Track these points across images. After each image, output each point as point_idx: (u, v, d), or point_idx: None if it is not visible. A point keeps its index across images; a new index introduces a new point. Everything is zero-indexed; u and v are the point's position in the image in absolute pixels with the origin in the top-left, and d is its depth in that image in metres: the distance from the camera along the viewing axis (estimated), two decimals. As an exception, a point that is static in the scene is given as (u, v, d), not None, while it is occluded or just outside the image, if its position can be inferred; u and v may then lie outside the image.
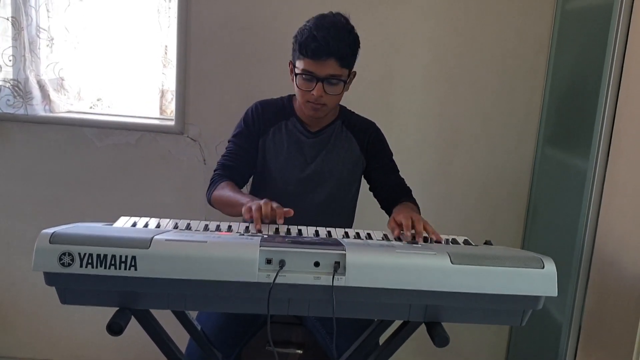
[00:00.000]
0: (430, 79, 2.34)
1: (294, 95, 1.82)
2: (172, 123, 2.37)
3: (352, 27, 1.71)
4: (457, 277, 1.19)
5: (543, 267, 1.22)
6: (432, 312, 1.25)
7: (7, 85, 2.32)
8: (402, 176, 1.91)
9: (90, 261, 1.15)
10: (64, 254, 1.14)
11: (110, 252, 1.15)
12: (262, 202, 1.49)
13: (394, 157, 1.92)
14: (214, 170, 1.83)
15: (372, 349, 1.50)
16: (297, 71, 1.69)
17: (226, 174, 1.79)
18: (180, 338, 1.50)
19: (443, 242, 1.47)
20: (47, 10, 2.32)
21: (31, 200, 2.44)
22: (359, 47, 1.73)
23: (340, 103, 1.84)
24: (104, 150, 2.40)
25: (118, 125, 2.39)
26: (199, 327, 1.48)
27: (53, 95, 2.37)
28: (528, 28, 2.30)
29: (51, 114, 2.37)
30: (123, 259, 1.15)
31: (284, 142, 1.83)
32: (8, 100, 2.33)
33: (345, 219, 1.93)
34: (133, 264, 1.15)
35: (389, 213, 1.81)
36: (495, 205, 2.42)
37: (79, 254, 1.14)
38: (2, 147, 2.40)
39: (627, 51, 1.70)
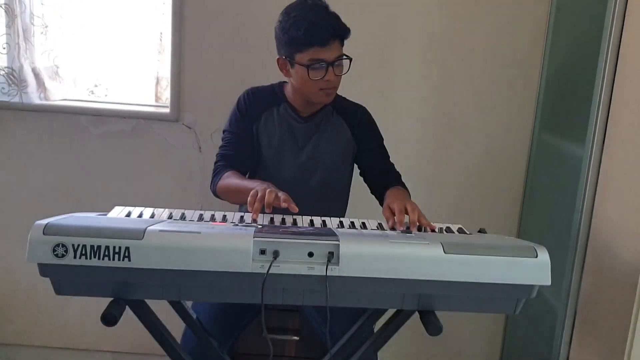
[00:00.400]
0: (426, 66, 2.33)
1: (285, 82, 1.83)
2: (167, 110, 2.36)
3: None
4: (450, 266, 1.19)
5: (536, 257, 1.22)
6: (426, 301, 1.25)
7: (2, 73, 2.31)
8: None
9: (84, 252, 1.15)
10: (58, 245, 1.14)
11: (104, 243, 1.15)
12: (267, 189, 1.47)
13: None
14: (215, 163, 1.81)
15: (367, 336, 1.51)
16: (304, 63, 1.65)
17: (228, 163, 1.78)
18: (176, 327, 1.50)
19: (437, 231, 1.47)
20: (40, -4, 2.30)
21: (27, 189, 2.44)
22: None
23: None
24: (99, 138, 2.39)
25: (113, 112, 2.38)
26: (194, 316, 1.49)
27: (48, 83, 2.36)
28: (524, 14, 2.28)
29: (46, 102, 2.36)
30: (117, 250, 1.15)
31: (276, 127, 1.82)
32: (3, 88, 2.31)
33: (340, 205, 1.93)
34: (127, 254, 1.15)
35: (379, 198, 1.83)
36: (491, 191, 2.42)
37: (73, 245, 1.15)
38: (-2, 135, 2.39)
39: (623, 37, 1.70)
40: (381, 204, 1.76)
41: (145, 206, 1.50)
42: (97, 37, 2.47)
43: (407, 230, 1.41)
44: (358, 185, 1.94)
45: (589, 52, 1.84)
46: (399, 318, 1.33)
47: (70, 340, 2.58)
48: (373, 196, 1.89)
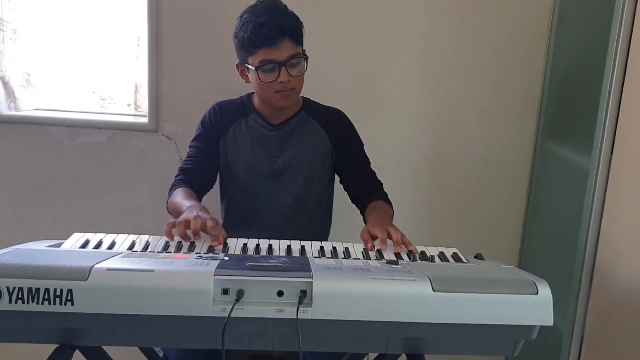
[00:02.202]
0: (422, 69, 2.23)
1: (253, 92, 1.78)
2: (145, 120, 2.24)
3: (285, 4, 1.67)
4: (439, 306, 1.05)
5: (537, 293, 1.08)
6: (413, 345, 1.11)
7: (-31, 82, 2.18)
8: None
9: (20, 296, 1.01)
10: (-9, 287, 1.01)
11: (43, 285, 1.01)
12: (192, 215, 1.38)
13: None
14: (175, 177, 1.74)
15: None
16: (255, 65, 1.61)
17: (186, 178, 1.71)
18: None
19: (429, 257, 1.33)
20: (9, 1, 2.16)
21: (-3, 206, 2.32)
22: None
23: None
24: (74, 151, 2.27)
25: (89, 123, 2.25)
26: (161, 354, 1.35)
27: (18, 92, 2.24)
28: (526, 12, 2.18)
29: (16, 113, 2.24)
30: (58, 293, 1.01)
31: (247, 138, 1.75)
32: (-30, 98, 2.19)
33: (321, 218, 1.84)
34: (69, 298, 1.02)
35: (359, 207, 1.76)
36: (492, 205, 2.32)
37: (7, 287, 1.01)
38: (-36, 149, 2.27)
39: (633, 37, 1.60)
40: (362, 212, 1.73)
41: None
42: (71, 41, 2.34)
43: (394, 260, 1.26)
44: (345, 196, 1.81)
45: (595, 52, 1.76)
46: (384, 362, 1.18)
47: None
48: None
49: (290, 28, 1.60)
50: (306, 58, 1.66)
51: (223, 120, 1.77)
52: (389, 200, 1.75)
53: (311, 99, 1.84)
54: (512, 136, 2.26)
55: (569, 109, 2.02)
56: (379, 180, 1.80)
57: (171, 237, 1.36)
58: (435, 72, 2.22)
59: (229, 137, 1.76)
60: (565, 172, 1.97)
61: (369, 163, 1.81)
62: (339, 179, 1.84)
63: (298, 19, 1.66)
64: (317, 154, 1.77)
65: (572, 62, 2.05)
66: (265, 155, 1.74)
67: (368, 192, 1.74)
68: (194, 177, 1.72)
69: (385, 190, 1.78)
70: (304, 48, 1.69)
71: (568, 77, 2.07)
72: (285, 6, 1.65)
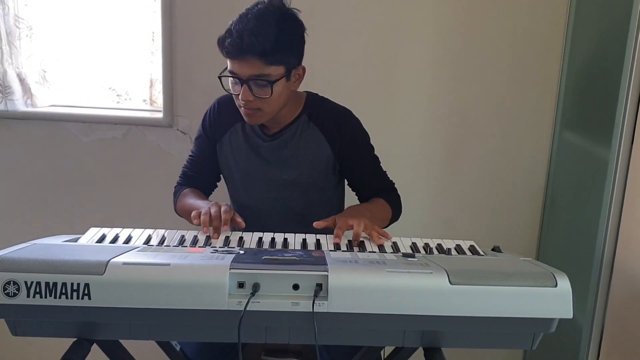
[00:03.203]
0: (436, 62, 2.19)
1: None
2: (160, 115, 2.24)
3: (287, 17, 1.48)
4: (456, 299, 1.05)
5: (556, 285, 1.07)
6: (430, 338, 1.11)
7: (-14, 79, 2.19)
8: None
9: (38, 290, 1.02)
10: (9, 282, 1.02)
11: (60, 279, 1.03)
12: (212, 206, 1.40)
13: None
14: (177, 181, 1.75)
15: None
16: (222, 73, 1.50)
17: (188, 184, 1.71)
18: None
19: (445, 250, 1.31)
20: (24, -3, 2.18)
21: (14, 201, 2.33)
22: (297, 38, 1.50)
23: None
24: (90, 146, 2.28)
25: (104, 119, 2.26)
26: (178, 348, 1.36)
27: (35, 88, 2.24)
28: (543, 1, 2.12)
29: (33, 109, 2.24)
30: (75, 287, 1.02)
31: (242, 147, 1.65)
32: (-13, 95, 2.20)
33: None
34: (86, 292, 1.02)
35: None
36: (509, 198, 2.28)
37: (26, 282, 1.02)
38: (-17, 146, 2.29)
39: None
40: None
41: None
42: (87, 37, 2.34)
43: (410, 253, 1.25)
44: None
45: (615, 40, 1.72)
46: (401, 355, 1.18)
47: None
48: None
49: (255, 46, 1.40)
50: (286, 77, 1.48)
51: (221, 122, 1.67)
52: (393, 200, 1.67)
53: (319, 94, 1.72)
54: (529, 127, 2.22)
55: (588, 99, 1.98)
56: (390, 181, 1.72)
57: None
58: (450, 64, 2.18)
59: (224, 142, 1.67)
60: (584, 164, 1.94)
61: (379, 163, 1.70)
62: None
63: (283, 35, 1.44)
64: (318, 163, 1.63)
65: (590, 51, 2.01)
66: (261, 165, 1.64)
67: (374, 194, 1.67)
68: (195, 183, 1.71)
69: (401, 184, 1.73)
70: (291, 68, 1.50)
71: (586, 66, 2.03)
72: (276, 15, 1.45)
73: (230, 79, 1.49)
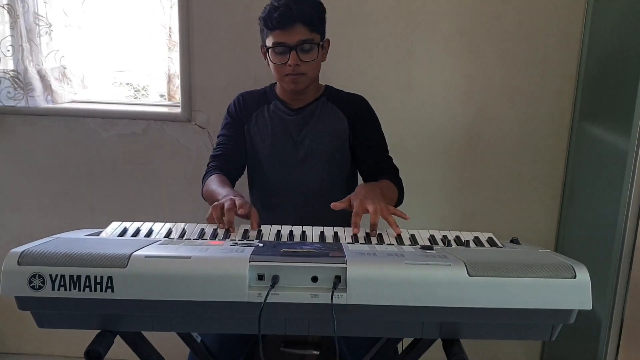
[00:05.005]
0: (454, 51, 2.18)
1: (276, 83, 1.82)
2: (178, 110, 2.26)
3: None
4: (475, 291, 1.05)
5: (575, 277, 1.06)
6: (449, 329, 1.11)
7: (7, 76, 2.22)
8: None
9: (62, 283, 1.05)
10: (34, 275, 1.05)
11: (84, 272, 1.05)
12: (227, 201, 1.41)
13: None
14: (207, 164, 1.79)
15: (391, 357, 1.40)
16: (268, 47, 1.66)
17: (219, 164, 1.77)
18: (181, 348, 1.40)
19: (464, 242, 1.31)
20: (43, -5, 2.20)
21: (37, 196, 2.37)
22: (324, 11, 1.71)
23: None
24: (109, 141, 2.31)
25: (123, 114, 2.28)
26: (198, 339, 1.37)
27: (55, 85, 2.27)
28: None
29: (53, 105, 2.27)
30: (98, 280, 1.04)
31: (268, 124, 1.80)
32: (9, 92, 2.23)
33: None
34: (109, 285, 1.04)
35: None
36: (528, 187, 2.27)
37: (50, 275, 1.05)
38: (5, 141, 2.33)
39: None
40: None
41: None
42: (105, 34, 2.37)
43: (428, 245, 1.26)
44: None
45: (635, 30, 1.73)
46: (419, 346, 1.18)
47: (73, 347, 2.48)
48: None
49: (303, 13, 1.62)
50: (321, 46, 1.69)
51: (247, 107, 1.82)
52: (398, 183, 1.73)
53: (335, 87, 1.86)
54: (547, 118, 2.20)
55: (607, 89, 1.96)
56: (394, 166, 1.79)
57: (214, 221, 1.39)
58: (467, 54, 2.17)
59: (252, 124, 1.80)
60: (603, 154, 1.92)
61: (387, 150, 1.81)
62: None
63: (318, 6, 1.68)
64: (337, 136, 1.79)
65: (609, 41, 1.99)
66: (287, 140, 1.78)
67: (378, 174, 1.73)
68: (226, 162, 1.77)
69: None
70: (326, 37, 1.72)
71: (605, 56, 2.00)
72: None
73: (276, 49, 1.64)
